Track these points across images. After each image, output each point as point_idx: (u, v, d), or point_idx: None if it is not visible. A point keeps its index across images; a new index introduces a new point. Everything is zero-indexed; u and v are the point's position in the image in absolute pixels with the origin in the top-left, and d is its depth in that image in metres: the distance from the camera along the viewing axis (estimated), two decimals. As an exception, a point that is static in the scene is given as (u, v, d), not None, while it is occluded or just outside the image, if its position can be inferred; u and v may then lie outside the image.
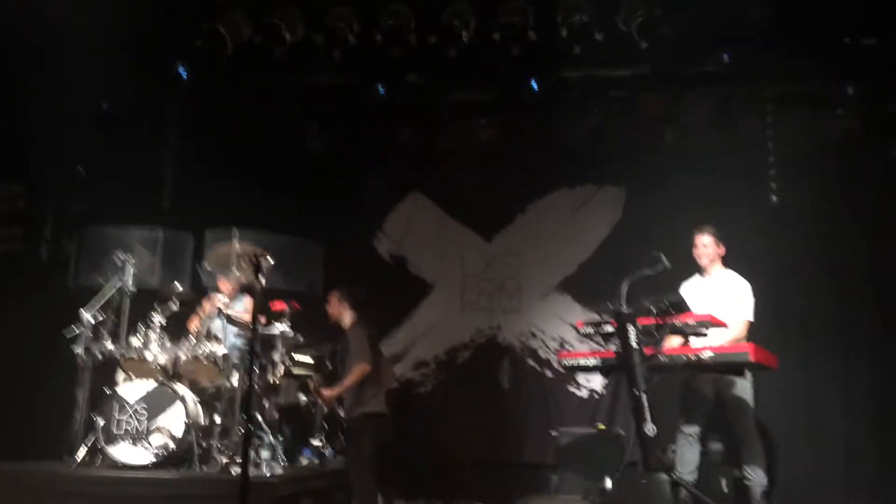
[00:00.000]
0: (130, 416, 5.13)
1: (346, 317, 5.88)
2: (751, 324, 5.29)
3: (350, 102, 7.52)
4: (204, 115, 7.41)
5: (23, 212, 7.07)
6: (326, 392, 5.68)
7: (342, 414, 5.96)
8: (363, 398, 5.57)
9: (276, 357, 5.86)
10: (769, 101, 6.89)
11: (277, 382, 6.01)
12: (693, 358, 4.68)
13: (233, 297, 6.05)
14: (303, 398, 6.31)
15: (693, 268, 5.54)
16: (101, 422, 5.12)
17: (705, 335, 4.80)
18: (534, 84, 7.32)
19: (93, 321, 5.33)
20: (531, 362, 7.33)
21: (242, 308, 6.16)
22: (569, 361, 5.15)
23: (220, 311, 5.81)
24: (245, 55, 6.89)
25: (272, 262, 5.40)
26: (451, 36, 6.77)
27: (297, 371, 6.32)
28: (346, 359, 5.71)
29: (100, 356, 5.36)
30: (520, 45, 6.76)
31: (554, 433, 6.40)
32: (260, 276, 4.66)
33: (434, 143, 7.62)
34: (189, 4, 6.83)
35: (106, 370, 5.53)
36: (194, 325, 5.78)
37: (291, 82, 7.33)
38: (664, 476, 4.51)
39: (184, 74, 7.15)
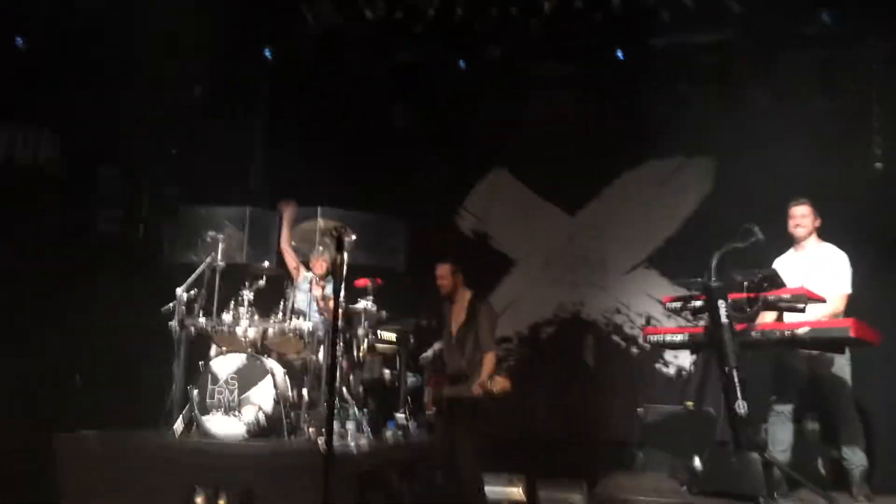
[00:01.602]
0: (223, 388, 5.32)
1: (463, 291, 5.84)
2: (850, 297, 5.01)
3: (432, 78, 7.51)
4: (289, 96, 7.54)
5: (121, 194, 7.39)
6: (481, 385, 5.59)
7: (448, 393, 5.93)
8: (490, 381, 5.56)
9: (361, 333, 5.94)
10: (874, 61, 6.45)
11: (362, 358, 6.11)
12: (788, 334, 4.49)
13: (324, 276, 6.15)
14: (387, 373, 6.39)
15: (787, 241, 5.28)
16: (195, 394, 5.33)
17: (801, 310, 4.60)
18: (619, 53, 7.13)
19: (186, 297, 5.54)
20: (616, 339, 7.21)
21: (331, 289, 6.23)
22: (655, 338, 5.03)
23: (310, 288, 5.93)
24: (328, 34, 6.98)
25: (355, 238, 5.51)
26: (533, 6, 6.66)
27: (381, 347, 6.40)
28: (470, 337, 5.66)
29: (193, 331, 5.57)
30: (603, 12, 6.59)
31: (640, 410, 6.28)
32: (342, 252, 4.72)
33: (517, 117, 7.49)
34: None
35: (200, 344, 5.75)
36: (290, 300, 5.85)
37: (374, 60, 7.36)
38: (756, 455, 4.35)
39: (269, 56, 7.30)
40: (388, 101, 7.59)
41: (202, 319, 5.57)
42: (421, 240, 7.17)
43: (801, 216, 5.19)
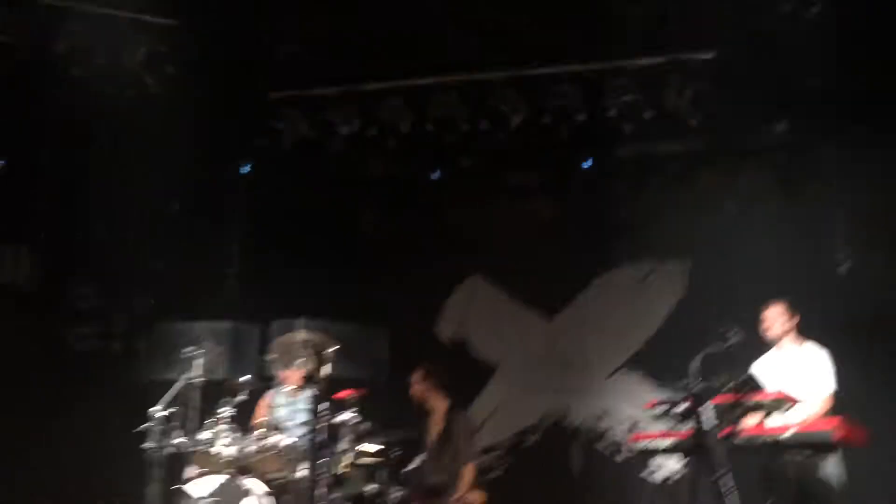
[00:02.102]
0: (201, 512, 5.11)
1: (437, 400, 5.75)
2: (835, 394, 5.04)
3: (406, 189, 7.68)
4: (265, 209, 7.65)
5: (95, 309, 7.31)
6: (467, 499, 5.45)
7: None
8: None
9: (343, 446, 5.80)
10: (832, 164, 6.76)
11: (345, 472, 5.93)
12: (771, 439, 4.49)
13: (299, 388, 6.05)
14: (370, 488, 6.19)
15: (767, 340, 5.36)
16: (172, 519, 5.11)
17: (781, 413, 4.61)
18: (587, 163, 7.40)
19: (163, 416, 5.39)
20: (602, 445, 7.12)
21: (308, 399, 6.13)
22: (641, 444, 5.00)
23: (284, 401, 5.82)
24: (303, 149, 7.16)
25: (336, 350, 5.46)
26: (501, 121, 6.95)
27: (364, 460, 6.23)
28: (447, 448, 5.55)
29: (170, 451, 5.39)
30: (569, 126, 6.88)
31: (629, 522, 6.15)
32: (323, 365, 4.67)
33: (490, 225, 7.68)
34: (248, 105, 7.18)
35: (177, 465, 5.55)
36: (260, 416, 5.79)
37: (348, 173, 7.53)
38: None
39: (245, 170, 7.45)
40: (363, 211, 7.72)
41: (179, 439, 5.40)
42: (403, 349, 7.13)
43: (771, 318, 5.28)
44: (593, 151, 7.41)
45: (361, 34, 6.73)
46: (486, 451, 7.30)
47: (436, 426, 5.70)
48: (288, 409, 5.98)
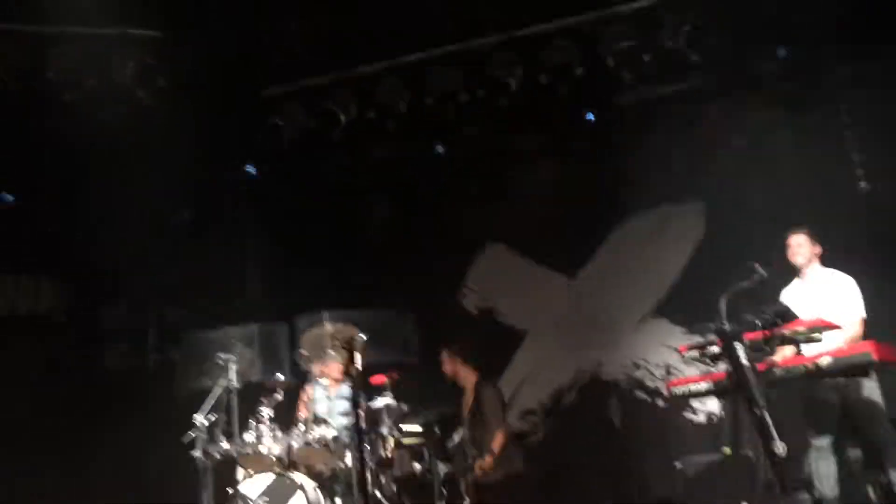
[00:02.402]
0: (256, 511, 5.20)
1: (466, 375, 5.81)
2: (866, 319, 5.02)
3: (412, 167, 7.66)
4: (276, 205, 7.66)
5: (127, 328, 7.39)
6: (484, 466, 5.53)
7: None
8: (507, 460, 5.50)
9: (385, 430, 5.87)
10: (837, 86, 6.64)
11: (390, 455, 6.01)
12: (811, 366, 4.48)
13: (337, 380, 6.11)
14: (417, 467, 6.27)
15: (791, 272, 5.31)
16: (229, 521, 5.21)
17: (819, 340, 4.59)
18: (590, 116, 7.32)
19: (206, 423, 5.47)
20: (640, 394, 7.14)
21: (348, 391, 6.18)
22: (679, 389, 4.99)
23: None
24: (305, 143, 7.14)
25: (365, 338, 5.51)
26: (500, 87, 6.89)
27: (407, 441, 6.30)
28: (476, 421, 5.62)
29: (218, 456, 5.48)
30: (568, 82, 6.80)
31: (678, 465, 6.16)
32: (355, 354, 4.71)
33: (502, 191, 7.63)
34: (245, 105, 7.16)
35: (226, 469, 5.64)
36: (301, 411, 5.86)
37: (353, 160, 7.52)
38: (805, 495, 4.27)
39: (252, 171, 7.45)
40: (373, 196, 7.72)
41: (225, 444, 5.49)
42: (430, 327, 7.17)
43: (798, 245, 5.24)
44: (595, 104, 7.32)
45: (349, 18, 6.66)
46: (524, 414, 7.37)
47: (467, 400, 5.75)
48: (327, 402, 6.05)
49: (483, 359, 6.59)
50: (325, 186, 7.61)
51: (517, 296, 7.65)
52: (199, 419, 5.45)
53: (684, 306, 6.95)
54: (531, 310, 7.60)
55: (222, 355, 5.71)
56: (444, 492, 6.18)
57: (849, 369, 4.52)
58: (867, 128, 6.51)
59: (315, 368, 5.92)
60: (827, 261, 5.28)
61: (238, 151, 7.57)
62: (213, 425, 5.49)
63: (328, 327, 5.66)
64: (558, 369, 7.39)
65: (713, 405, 6.86)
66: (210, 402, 5.55)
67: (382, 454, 5.90)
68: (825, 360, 4.45)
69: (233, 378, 5.64)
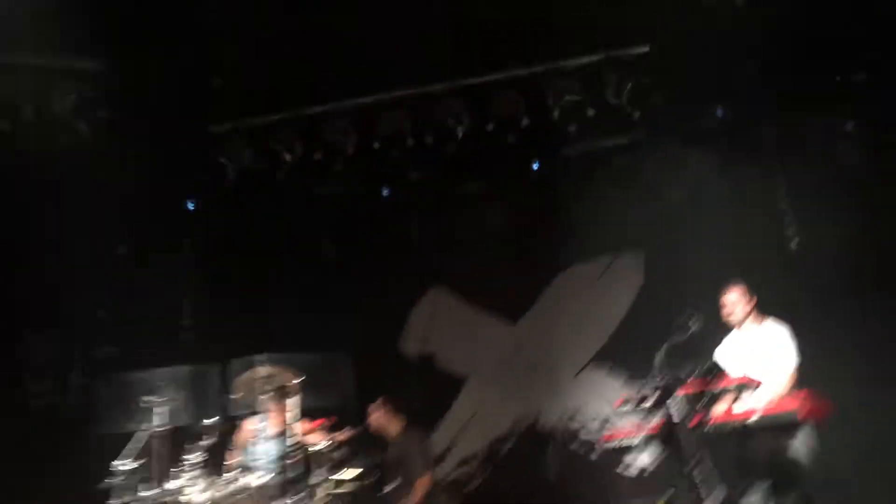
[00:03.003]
0: (177, 564, 5.00)
1: (393, 426, 5.75)
2: (799, 368, 5.10)
3: (358, 208, 7.63)
4: (216, 244, 7.53)
5: (53, 362, 7.12)
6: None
7: None
8: None
9: (318, 478, 5.73)
10: (772, 146, 6.87)
11: (325, 502, 5.87)
12: (739, 424, 4.54)
13: (274, 425, 5.96)
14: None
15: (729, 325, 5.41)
16: (146, 575, 4.98)
17: (749, 396, 4.65)
18: (535, 165, 7.42)
19: (126, 469, 5.26)
20: (575, 446, 7.13)
21: (281, 434, 6.03)
22: (612, 444, 5.00)
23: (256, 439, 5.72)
24: (249, 181, 7.07)
25: (300, 382, 5.41)
26: (447, 133, 6.95)
27: (339, 489, 6.16)
28: (401, 470, 5.54)
29: (138, 504, 5.26)
30: (514, 131, 6.91)
31: (610, 518, 6.14)
32: (289, 399, 4.61)
33: (446, 235, 7.65)
34: (190, 139, 7.07)
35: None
36: (233, 457, 5.68)
37: (297, 198, 7.46)
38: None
39: (191, 207, 7.33)
40: (317, 235, 7.65)
41: (144, 493, 5.26)
42: (369, 372, 7.07)
43: (732, 303, 5.34)
44: (540, 154, 7.43)
45: (299, 58, 6.65)
46: (462, 462, 7.29)
47: (393, 447, 5.68)
48: (263, 446, 5.89)
49: (419, 405, 6.54)
50: (267, 226, 7.52)
51: (458, 341, 7.64)
52: (119, 465, 5.24)
53: (623, 355, 7.03)
54: (472, 355, 7.59)
55: (147, 398, 5.53)
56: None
57: (776, 426, 4.58)
58: (799, 186, 6.73)
59: (256, 411, 5.76)
60: (764, 310, 5.38)
61: (180, 187, 7.45)
62: (133, 472, 5.28)
63: (262, 370, 5.55)
64: (497, 417, 7.36)
65: (646, 459, 6.87)
66: (134, 445, 5.35)
67: (318, 501, 5.76)
68: (753, 419, 4.50)
69: (157, 422, 5.45)
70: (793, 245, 6.66)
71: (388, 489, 6.17)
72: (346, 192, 7.58)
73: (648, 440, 4.87)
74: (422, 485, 5.36)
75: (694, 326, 4.79)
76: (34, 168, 6.55)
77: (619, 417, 6.78)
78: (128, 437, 5.46)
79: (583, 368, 7.31)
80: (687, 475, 4.47)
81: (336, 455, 5.92)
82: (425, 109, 6.98)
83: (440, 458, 7.17)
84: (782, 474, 5.06)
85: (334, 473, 5.98)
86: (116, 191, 6.64)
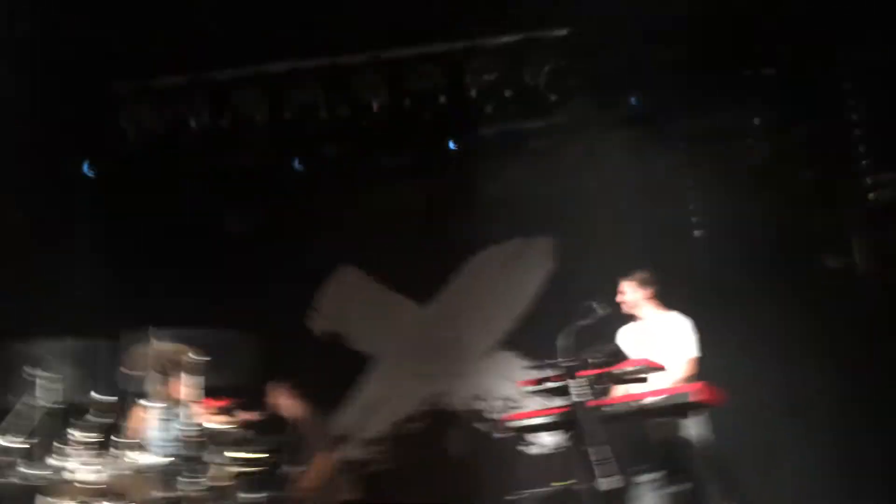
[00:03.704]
0: (53, 545, 4.75)
1: (292, 406, 5.63)
2: (698, 359, 5.22)
3: (267, 180, 7.40)
4: (114, 210, 7.16)
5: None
6: (304, 485, 5.33)
7: None
8: (334, 488, 5.30)
9: (216, 457, 5.55)
10: (681, 138, 7.01)
11: (220, 483, 5.70)
12: (635, 405, 4.62)
13: (170, 402, 5.72)
14: (247, 496, 5.98)
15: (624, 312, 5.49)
16: (22, 556, 4.73)
17: (644, 381, 4.74)
18: (451, 144, 7.36)
19: (5, 445, 4.96)
20: (480, 426, 7.18)
21: (178, 413, 5.81)
22: (514, 423, 5.02)
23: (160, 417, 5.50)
24: (151, 145, 6.75)
25: (197, 359, 5.21)
26: (363, 107, 6.80)
27: (239, 469, 6.00)
28: (302, 451, 5.42)
29: (16, 482, 4.97)
30: (431, 108, 6.82)
31: (509, 498, 6.19)
32: (184, 376, 4.42)
33: (357, 213, 7.51)
34: (89, 100, 6.69)
35: (25, 498, 5.13)
36: (123, 435, 5.42)
37: (203, 167, 7.17)
38: (629, 530, 4.36)
39: (88, 172, 6.95)
40: (222, 207, 7.39)
41: (24, 469, 4.98)
42: (272, 349, 6.89)
43: (622, 293, 5.44)
44: (456, 132, 7.37)
45: (210, 18, 6.36)
46: (367, 443, 7.23)
47: (294, 428, 5.56)
48: (157, 425, 5.65)
49: (324, 385, 6.42)
50: (170, 194, 7.19)
51: (366, 321, 7.55)
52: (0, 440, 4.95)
53: (530, 339, 7.08)
54: (380, 336, 7.51)
55: (30, 370, 5.23)
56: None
57: (668, 409, 4.67)
58: (706, 178, 6.90)
59: (151, 388, 5.51)
60: (668, 301, 5.48)
61: (77, 148, 7.04)
62: (15, 448, 4.99)
63: (155, 345, 5.32)
64: (404, 397, 7.33)
65: (547, 439, 6.98)
66: (13, 420, 5.06)
67: (213, 481, 5.59)
68: (648, 400, 4.59)
69: (41, 396, 5.17)
70: (696, 234, 6.82)
71: (286, 469, 6.05)
72: (255, 163, 7.33)
73: (550, 421, 4.88)
74: (319, 464, 5.26)
75: (600, 311, 4.84)
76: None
77: (523, 398, 6.91)
78: (7, 411, 5.17)
79: (489, 351, 7.33)
80: (585, 456, 4.50)
81: (235, 435, 5.76)
82: (340, 81, 6.81)
83: (344, 439, 7.07)
84: (673, 458, 5.21)
85: (232, 453, 5.83)
86: (7, 150, 6.20)
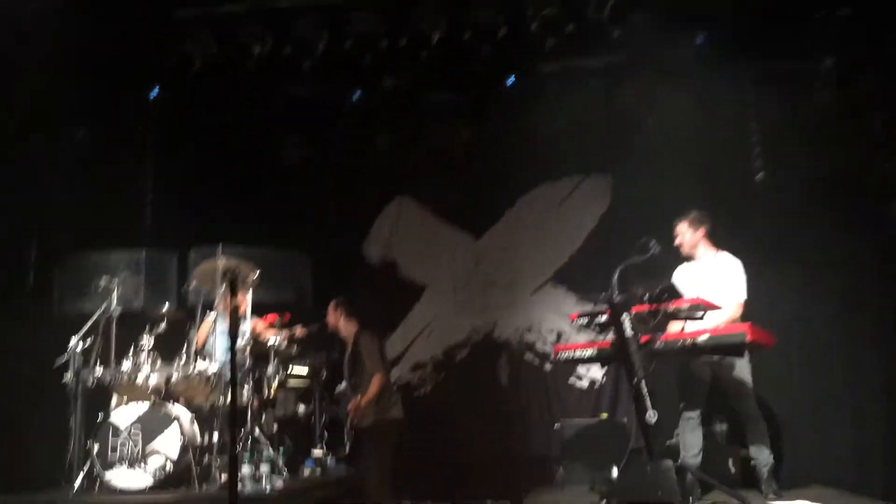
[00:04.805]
0: (125, 439, 5.07)
1: (348, 326, 5.79)
2: (746, 302, 5.24)
3: (326, 110, 7.47)
4: (180, 134, 7.33)
5: (6, 243, 6.97)
6: (356, 405, 5.52)
7: (354, 423, 5.88)
8: (383, 406, 5.50)
9: (271, 370, 5.81)
10: (747, 79, 6.85)
11: (274, 395, 5.97)
12: (689, 342, 4.65)
13: (231, 315, 5.95)
14: (301, 409, 6.26)
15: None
16: (96, 448, 5.06)
17: (700, 318, 4.78)
18: (510, 80, 7.32)
19: (81, 348, 5.26)
20: (529, 357, 7.32)
21: (249, 326, 6.06)
22: (566, 354, 5.11)
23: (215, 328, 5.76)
24: (215, 71, 6.85)
25: (258, 276, 5.39)
26: (422, 38, 6.76)
27: (293, 383, 6.27)
28: (355, 368, 5.61)
29: (91, 382, 5.29)
30: (491, 42, 6.76)
31: (557, 425, 6.35)
32: (243, 292, 4.60)
33: (415, 145, 7.54)
34: (155, 26, 6.78)
35: (98, 396, 5.46)
36: (189, 345, 5.68)
37: (264, 95, 7.26)
38: (669, 462, 4.47)
39: (154, 94, 7.10)
40: (283, 134, 7.50)
41: (99, 370, 5.30)
42: (327, 273, 7.09)
43: (680, 234, 5.43)
44: (515, 68, 7.31)
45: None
46: (415, 367, 7.44)
47: (348, 350, 5.74)
48: (219, 336, 5.91)
49: (376, 311, 6.58)
50: (233, 118, 7.32)
51: (420, 251, 7.67)
52: (74, 342, 5.24)
53: (582, 276, 7.15)
54: (433, 266, 7.63)
55: (104, 279, 5.50)
56: (326, 435, 6.21)
57: (723, 348, 4.71)
58: (770, 120, 6.76)
59: (217, 301, 5.75)
60: (720, 243, 5.47)
61: (143, 72, 7.17)
62: (88, 350, 5.29)
63: (220, 261, 5.51)
64: (453, 326, 7.48)
65: (596, 372, 7.10)
66: (88, 326, 5.34)
67: (266, 393, 5.86)
68: (703, 338, 4.62)
69: (114, 304, 5.44)
70: (757, 178, 6.72)
71: (339, 388, 6.28)
72: (314, 93, 7.38)
73: (601, 354, 4.97)
74: (374, 384, 5.44)
75: (655, 248, 4.86)
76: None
77: (574, 331, 7.02)
78: (84, 317, 5.45)
79: (541, 286, 7.41)
80: (634, 389, 4.58)
81: (290, 350, 6.00)
82: (401, 12, 6.77)
83: (395, 362, 7.30)
84: (722, 395, 5.28)
85: (288, 368, 6.08)
86: (75, 73, 6.36)
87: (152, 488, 5.00)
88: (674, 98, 6.99)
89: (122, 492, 4.98)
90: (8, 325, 6.20)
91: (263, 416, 5.72)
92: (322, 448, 6.08)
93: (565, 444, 6.14)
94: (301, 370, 6.27)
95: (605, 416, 6.52)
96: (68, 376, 5.21)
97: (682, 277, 5.42)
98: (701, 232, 5.41)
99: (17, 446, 5.73)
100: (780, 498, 4.89)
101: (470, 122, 7.55)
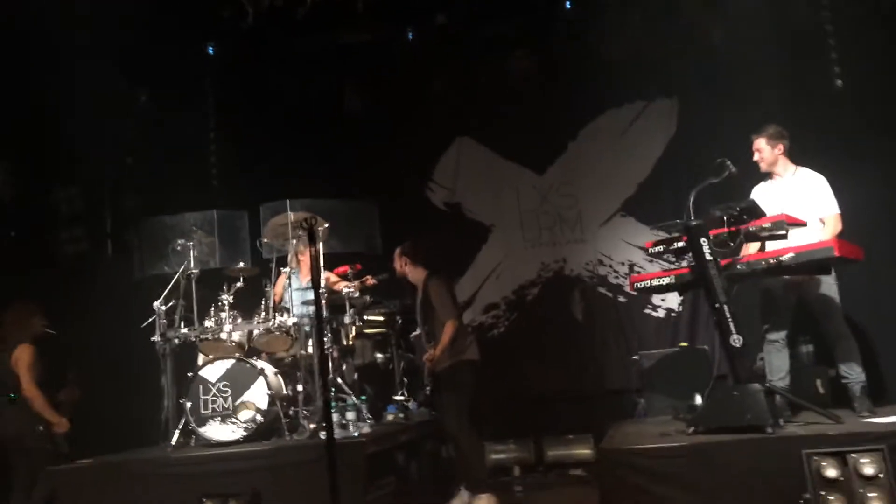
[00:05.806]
0: (216, 395, 5.24)
1: (416, 273, 5.78)
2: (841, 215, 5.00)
3: (381, 54, 7.36)
4: (239, 89, 7.35)
5: (82, 212, 7.19)
6: (432, 356, 5.56)
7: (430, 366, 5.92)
8: (458, 348, 5.51)
9: (347, 319, 5.88)
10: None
11: (352, 344, 6.06)
12: (773, 262, 4.48)
13: (304, 269, 6.07)
14: (379, 356, 6.35)
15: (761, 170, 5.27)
16: (188, 405, 5.24)
17: (784, 237, 4.58)
18: (567, 3, 7.06)
19: (165, 310, 5.42)
20: (603, 290, 7.22)
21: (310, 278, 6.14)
22: (642, 284, 4.99)
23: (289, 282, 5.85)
24: (269, 21, 6.79)
25: (327, 228, 5.43)
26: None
27: (369, 330, 6.35)
28: (427, 314, 5.62)
29: (177, 342, 5.46)
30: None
31: (635, 357, 6.29)
32: (314, 243, 4.60)
33: (472, 82, 7.39)
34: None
35: (186, 354, 5.64)
36: (274, 298, 5.79)
37: (319, 42, 7.20)
38: (756, 386, 4.36)
39: (212, 51, 7.11)
40: (340, 81, 7.44)
41: (184, 330, 5.46)
42: (394, 219, 7.09)
43: (757, 151, 5.18)
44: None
45: None
46: (488, 308, 7.43)
47: (418, 295, 5.72)
48: (295, 290, 6.00)
49: (443, 255, 6.55)
50: (290, 70, 7.30)
51: (485, 190, 7.58)
52: (158, 305, 5.40)
53: (652, 203, 6.95)
54: (498, 205, 7.54)
55: (180, 241, 5.62)
56: (405, 381, 6.29)
57: (810, 265, 4.51)
58: (848, 24, 6.34)
59: (289, 256, 5.84)
60: (799, 158, 5.22)
61: (199, 28, 7.18)
62: (171, 311, 5.44)
63: (291, 215, 5.57)
64: (523, 264, 7.42)
65: (673, 301, 6.96)
66: (169, 288, 5.49)
67: (345, 343, 5.95)
68: (787, 256, 4.43)
69: (191, 264, 5.56)
70: (838, 84, 6.35)
71: (415, 333, 6.33)
72: (368, 37, 7.27)
73: (678, 279, 4.84)
74: (448, 329, 5.46)
75: (732, 168, 4.68)
76: (51, 15, 6.31)
77: (647, 262, 6.88)
78: (164, 279, 5.60)
79: (610, 217, 7.26)
80: (716, 314, 4.47)
81: (364, 299, 6.05)
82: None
83: (467, 304, 7.30)
84: (810, 314, 5.11)
85: (363, 317, 6.15)
86: (135, 35, 6.41)
87: (245, 440, 5.17)
88: (741, 7, 6.61)
89: (217, 444, 5.16)
90: (94, 293, 6.44)
91: (344, 366, 5.82)
92: (403, 394, 6.17)
93: (645, 375, 6.08)
94: (376, 318, 6.34)
95: (684, 344, 6.41)
96: (155, 337, 5.38)
97: (762, 196, 5.20)
98: (780, 148, 5.16)
99: (114, 409, 6.00)
100: (874, 415, 4.74)
101: (527, 54, 7.33)
